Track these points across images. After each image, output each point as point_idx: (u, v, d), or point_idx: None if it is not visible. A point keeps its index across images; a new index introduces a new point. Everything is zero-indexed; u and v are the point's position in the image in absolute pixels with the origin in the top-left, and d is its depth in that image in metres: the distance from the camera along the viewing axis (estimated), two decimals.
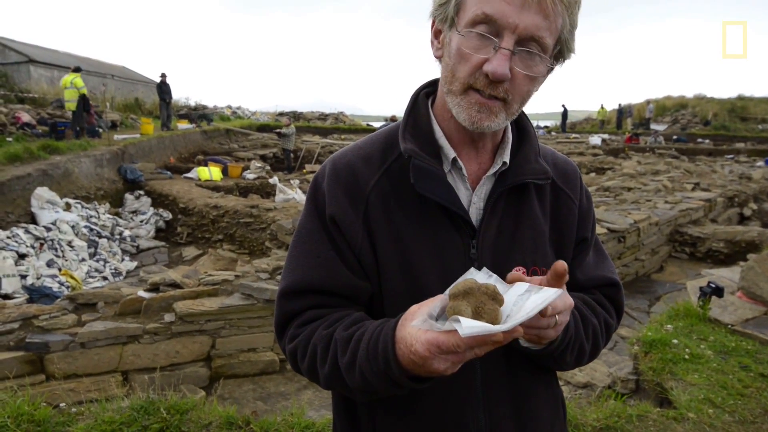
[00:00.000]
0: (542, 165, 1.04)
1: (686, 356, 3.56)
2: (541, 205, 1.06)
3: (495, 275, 0.84)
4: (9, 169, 9.34)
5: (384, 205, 0.99)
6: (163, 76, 17.81)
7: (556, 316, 0.83)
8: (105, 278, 7.97)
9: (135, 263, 8.89)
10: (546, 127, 33.96)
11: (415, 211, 0.99)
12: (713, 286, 4.26)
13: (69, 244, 8.19)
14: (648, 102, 31.81)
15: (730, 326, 4.10)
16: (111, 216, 10.05)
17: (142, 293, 4.57)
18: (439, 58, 0.98)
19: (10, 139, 11.41)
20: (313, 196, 1.04)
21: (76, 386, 3.92)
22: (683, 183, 11.27)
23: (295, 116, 32.32)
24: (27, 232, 7.87)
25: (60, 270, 7.40)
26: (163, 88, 17.80)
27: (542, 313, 0.78)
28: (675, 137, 25.17)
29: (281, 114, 33.42)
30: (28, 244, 7.56)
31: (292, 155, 17.69)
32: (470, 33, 0.87)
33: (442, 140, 1.01)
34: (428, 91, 1.09)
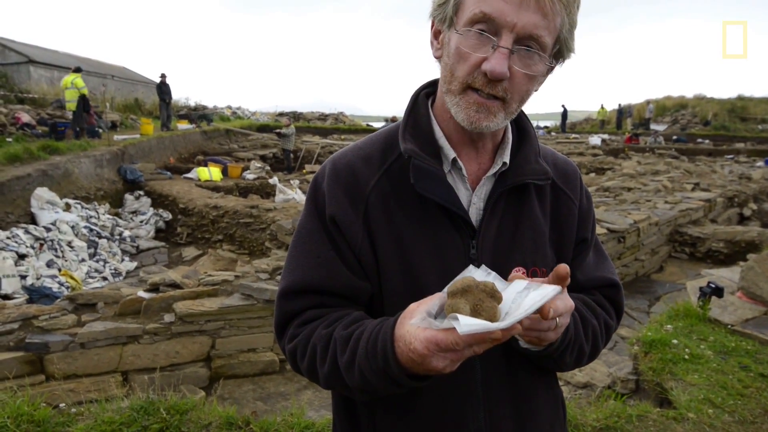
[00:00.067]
0: (542, 165, 1.04)
1: (686, 356, 3.56)
2: (541, 205, 1.06)
3: (494, 273, 0.84)
4: (9, 169, 9.34)
5: (384, 205, 0.99)
6: (163, 76, 17.81)
7: (557, 319, 0.83)
8: (105, 278, 7.97)
9: (135, 263, 8.89)
10: (546, 127, 33.97)
11: (415, 212, 0.99)
12: (713, 286, 4.26)
13: (69, 244, 8.19)
14: (648, 102, 31.81)
15: (730, 326, 4.10)
16: (111, 216, 10.05)
17: (141, 293, 4.57)
18: (438, 58, 0.98)
19: (9, 139, 11.41)
20: (313, 196, 1.04)
21: (75, 386, 3.92)
22: (683, 183, 11.27)
23: (295, 116, 32.32)
24: (27, 232, 7.86)
25: (60, 270, 7.40)
26: (162, 88, 17.80)
27: (544, 315, 0.78)
28: (675, 137, 25.18)
29: (281, 114, 33.42)
30: (28, 245, 7.56)
31: (291, 155, 17.69)
32: (469, 32, 0.88)
33: (442, 140, 1.01)
34: (428, 91, 1.09)
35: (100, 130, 14.44)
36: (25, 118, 13.40)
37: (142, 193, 11.71)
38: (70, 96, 13.45)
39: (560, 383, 1.21)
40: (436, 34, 0.99)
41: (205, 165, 14.98)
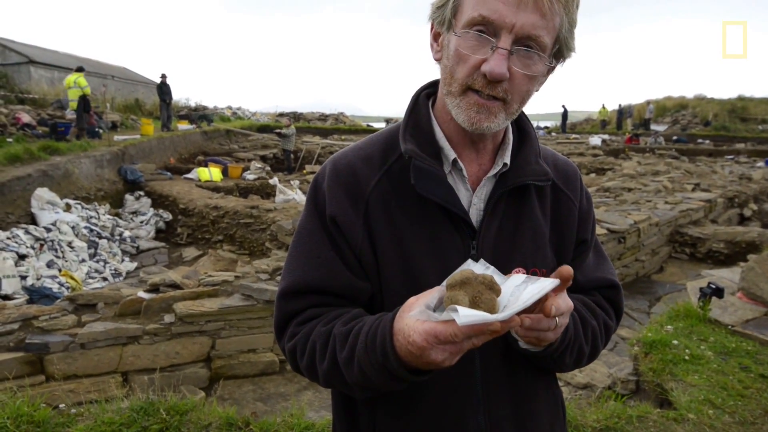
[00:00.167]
0: (543, 166, 1.04)
1: (686, 357, 3.55)
2: (541, 206, 1.06)
3: (492, 267, 0.84)
4: (9, 169, 9.34)
5: (384, 205, 0.99)
6: (164, 76, 17.82)
7: (557, 319, 0.83)
8: (105, 279, 7.97)
9: (135, 264, 8.89)
10: (546, 127, 33.96)
11: (416, 212, 0.99)
12: (713, 286, 4.26)
13: (69, 244, 8.19)
14: (648, 102, 31.80)
15: (730, 327, 4.10)
16: (111, 217, 10.05)
17: (142, 294, 4.57)
18: (438, 60, 0.98)
19: (10, 139, 11.41)
20: (314, 196, 1.04)
21: (75, 387, 3.92)
22: (683, 183, 11.27)
23: (296, 117, 32.34)
24: (27, 232, 7.87)
25: (60, 271, 7.40)
26: (163, 88, 17.81)
27: (546, 312, 0.78)
28: (675, 138, 25.18)
29: (281, 114, 33.44)
30: (28, 245, 7.56)
31: (292, 156, 17.70)
32: (467, 34, 0.88)
33: (443, 141, 1.01)
34: (429, 92, 1.09)
35: (101, 131, 14.45)
36: (26, 118, 13.41)
37: (142, 193, 11.71)
38: (73, 95, 13.47)
39: (560, 384, 1.21)
40: (435, 37, 0.99)
41: (206, 165, 14.99)
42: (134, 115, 20.55)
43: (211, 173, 13.99)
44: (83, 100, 13.43)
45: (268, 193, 13.70)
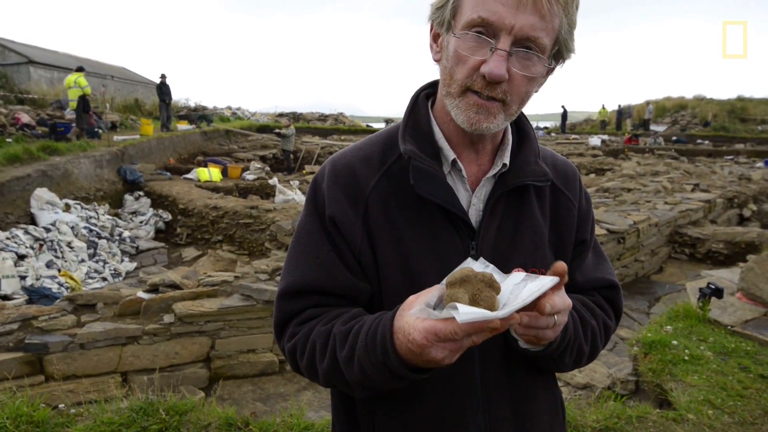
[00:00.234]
0: (542, 167, 1.04)
1: (686, 357, 3.56)
2: (540, 206, 1.06)
3: (492, 265, 0.84)
4: (8, 170, 9.34)
5: (384, 206, 0.99)
6: (163, 77, 17.81)
7: (555, 317, 0.83)
8: (104, 279, 7.96)
9: (134, 264, 8.88)
10: (546, 128, 33.97)
11: (415, 213, 0.99)
12: (713, 287, 4.26)
13: (68, 245, 8.19)
14: (647, 103, 31.82)
15: (729, 327, 4.10)
16: (110, 217, 10.04)
17: (141, 294, 4.57)
18: (438, 61, 0.99)
19: (9, 140, 11.41)
20: (313, 197, 1.04)
21: (75, 387, 3.92)
22: (683, 184, 11.28)
23: (295, 117, 32.34)
24: (26, 233, 7.86)
25: (59, 271, 7.40)
26: (162, 89, 17.80)
27: (540, 310, 0.78)
28: (674, 138, 25.19)
29: (281, 115, 33.45)
30: (28, 245, 7.56)
31: (291, 156, 17.70)
32: (466, 35, 0.88)
33: (442, 141, 1.01)
34: (428, 92, 1.09)
35: (100, 131, 14.45)
36: (25, 118, 13.40)
37: (141, 193, 11.71)
38: (73, 95, 13.47)
39: (560, 384, 1.21)
40: (435, 38, 0.99)
41: (205, 165, 14.98)
42: (134, 115, 20.55)
43: (211, 173, 13.98)
44: (83, 100, 13.43)
45: (267, 193, 13.69)
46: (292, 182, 13.90)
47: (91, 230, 8.85)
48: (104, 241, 8.89)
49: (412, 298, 0.83)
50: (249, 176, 14.67)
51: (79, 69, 13.96)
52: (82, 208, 9.56)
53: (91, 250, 8.48)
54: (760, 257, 4.73)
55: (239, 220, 9.70)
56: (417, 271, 0.97)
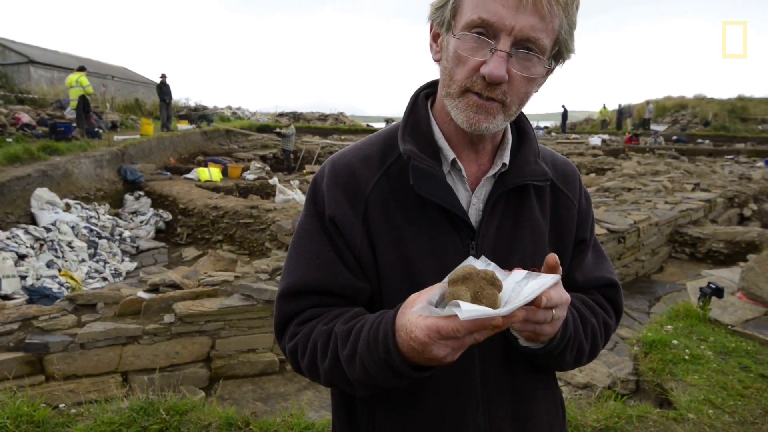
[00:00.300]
0: (542, 166, 1.04)
1: (686, 357, 3.55)
2: (540, 206, 1.06)
3: (493, 263, 0.84)
4: (9, 169, 9.34)
5: (383, 206, 0.99)
6: (163, 76, 17.81)
7: (553, 311, 0.82)
8: (105, 279, 7.96)
9: (135, 264, 8.89)
10: (546, 127, 33.96)
11: (415, 213, 0.99)
12: (713, 286, 4.26)
13: (69, 244, 8.19)
14: (648, 102, 31.80)
15: (730, 327, 4.10)
16: (111, 217, 10.04)
17: (141, 294, 4.57)
18: (438, 61, 0.98)
19: (9, 139, 11.41)
20: (313, 197, 1.04)
21: (75, 387, 3.92)
22: (683, 183, 11.27)
23: (295, 117, 32.34)
24: (27, 232, 7.86)
25: (60, 271, 7.40)
26: (163, 88, 17.80)
27: (537, 304, 0.78)
28: (675, 138, 25.18)
29: (281, 114, 33.44)
30: (28, 245, 7.56)
31: (291, 156, 17.70)
32: (466, 36, 0.88)
33: (442, 141, 1.01)
34: (428, 92, 1.09)
35: (100, 131, 14.45)
36: (25, 118, 13.40)
37: (142, 193, 11.71)
38: (74, 94, 13.47)
39: (560, 384, 1.21)
40: (435, 37, 0.99)
41: (205, 165, 14.98)
42: (134, 115, 20.54)
43: (211, 173, 13.98)
44: (83, 100, 13.43)
45: (267, 193, 13.70)
46: (292, 182, 13.90)
47: (91, 230, 8.86)
48: (105, 240, 8.89)
49: (414, 296, 0.83)
50: (249, 176, 14.67)
51: (81, 68, 13.96)
52: (82, 207, 9.57)
53: (92, 250, 8.48)
54: (760, 257, 4.73)
55: (239, 219, 9.70)
56: (417, 271, 0.97)
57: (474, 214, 1.01)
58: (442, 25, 0.94)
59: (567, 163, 1.16)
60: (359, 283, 1.00)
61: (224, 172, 14.71)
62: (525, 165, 1.02)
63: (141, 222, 10.61)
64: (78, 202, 9.72)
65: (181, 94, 36.64)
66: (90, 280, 7.78)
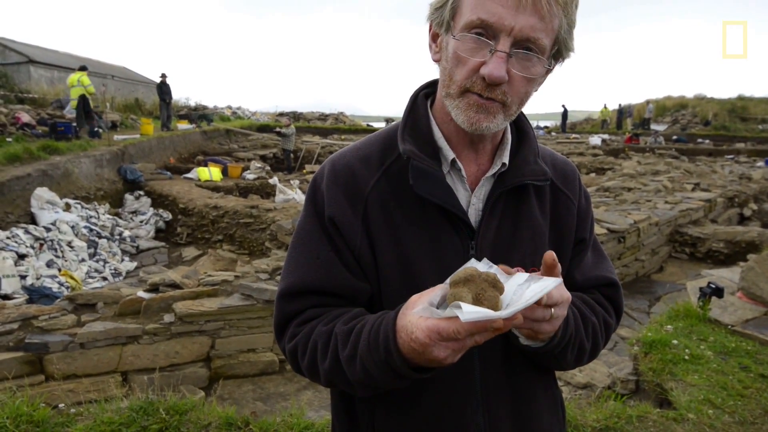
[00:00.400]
0: (541, 166, 1.04)
1: (686, 357, 3.55)
2: (540, 206, 1.06)
3: (495, 266, 0.84)
4: (9, 169, 9.34)
5: (383, 206, 0.99)
6: (164, 76, 17.81)
7: (552, 309, 0.82)
8: (105, 278, 7.97)
9: (135, 264, 8.89)
10: (546, 127, 33.95)
11: (414, 212, 0.98)
12: (713, 286, 4.26)
13: (69, 244, 8.19)
14: (648, 102, 31.80)
15: (730, 327, 4.10)
16: (111, 216, 10.05)
17: (141, 294, 4.57)
18: (437, 61, 0.98)
19: (9, 139, 11.41)
20: (312, 197, 1.04)
21: (75, 387, 3.92)
22: (683, 183, 11.27)
23: (295, 116, 32.33)
24: (27, 232, 7.86)
25: (60, 270, 7.40)
26: (163, 88, 17.80)
27: (537, 302, 0.78)
28: (675, 137, 25.18)
29: (281, 114, 33.43)
30: (28, 245, 7.56)
31: (292, 155, 17.70)
32: (466, 36, 0.87)
33: (441, 141, 1.01)
34: (427, 92, 1.09)
35: (100, 130, 14.45)
36: (25, 118, 13.40)
37: (142, 193, 11.71)
38: (75, 94, 13.46)
39: (560, 384, 1.21)
40: (434, 37, 0.99)
41: (205, 165, 14.98)
42: (134, 114, 20.53)
43: (211, 173, 13.98)
44: (83, 100, 13.42)
45: (267, 192, 13.70)
46: (292, 182, 13.91)
47: (91, 230, 8.86)
48: (104, 240, 8.89)
49: (415, 297, 0.82)
50: (249, 176, 14.67)
51: (83, 68, 13.96)
52: (82, 207, 9.57)
53: (92, 250, 8.48)
54: (760, 256, 4.73)
55: (239, 219, 9.70)
56: (416, 271, 0.97)
57: (474, 214, 1.01)
58: (441, 25, 0.94)
59: (567, 162, 1.16)
60: (359, 283, 1.00)
61: (224, 172, 14.71)
62: (525, 165, 1.02)
63: (141, 222, 10.61)
64: (78, 201, 9.72)
65: (181, 94, 36.65)
66: (90, 280, 7.78)
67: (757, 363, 3.50)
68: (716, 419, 2.87)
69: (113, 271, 8.24)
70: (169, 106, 18.24)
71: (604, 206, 8.60)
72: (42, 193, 9.00)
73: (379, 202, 0.99)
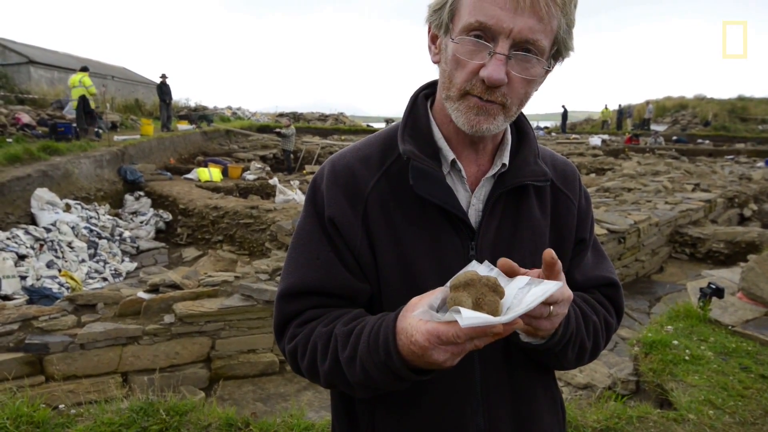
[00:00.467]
0: (541, 167, 1.04)
1: (686, 357, 3.55)
2: (540, 206, 1.06)
3: (496, 269, 0.84)
4: (9, 170, 9.34)
5: (383, 206, 0.99)
6: (164, 77, 17.81)
7: (551, 307, 0.82)
8: (105, 279, 7.97)
9: (135, 264, 8.89)
10: (546, 127, 33.95)
11: (414, 213, 0.99)
12: (713, 286, 4.26)
13: (69, 245, 8.19)
14: (648, 102, 31.80)
15: (730, 327, 4.09)
16: (111, 217, 10.05)
17: (141, 294, 4.57)
18: (437, 63, 0.98)
19: (10, 140, 11.41)
20: (312, 197, 1.04)
21: (75, 387, 3.92)
22: (683, 184, 11.27)
23: (295, 117, 32.34)
24: (27, 233, 7.87)
25: (60, 271, 7.40)
26: (163, 89, 17.80)
27: None
28: (675, 138, 25.18)
29: (281, 115, 33.44)
30: (28, 245, 7.56)
31: (292, 156, 17.70)
32: (464, 39, 0.87)
33: (441, 142, 1.01)
34: (427, 92, 1.09)
35: (100, 131, 14.45)
36: (26, 118, 13.40)
37: (142, 193, 11.71)
38: (77, 95, 13.47)
39: (560, 384, 1.21)
40: (433, 39, 0.99)
41: (205, 165, 14.99)
42: (134, 115, 20.55)
43: (211, 173, 13.99)
44: (83, 101, 13.43)
45: (268, 193, 13.70)
46: (292, 182, 13.91)
47: (91, 230, 8.86)
48: (105, 241, 8.89)
49: (415, 299, 0.82)
50: (249, 176, 14.67)
51: (84, 69, 13.97)
52: (82, 208, 9.57)
53: (92, 250, 8.48)
54: (760, 257, 4.73)
55: (239, 220, 9.70)
56: (416, 272, 0.97)
57: (474, 215, 1.01)
58: (440, 27, 0.94)
59: (567, 163, 1.16)
60: (359, 283, 1.00)
61: (224, 173, 14.71)
62: (525, 165, 1.02)
63: (141, 222, 10.61)
64: (78, 202, 9.73)
65: (181, 95, 36.70)
66: (90, 281, 7.78)
67: (758, 363, 3.50)
68: (717, 420, 2.87)
69: (113, 272, 8.24)
70: (169, 106, 18.24)
71: (604, 207, 8.60)
72: (42, 193, 9.00)
73: (379, 202, 0.99)
